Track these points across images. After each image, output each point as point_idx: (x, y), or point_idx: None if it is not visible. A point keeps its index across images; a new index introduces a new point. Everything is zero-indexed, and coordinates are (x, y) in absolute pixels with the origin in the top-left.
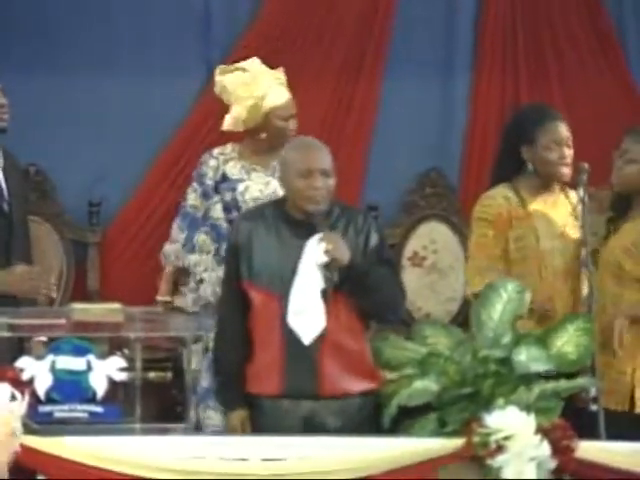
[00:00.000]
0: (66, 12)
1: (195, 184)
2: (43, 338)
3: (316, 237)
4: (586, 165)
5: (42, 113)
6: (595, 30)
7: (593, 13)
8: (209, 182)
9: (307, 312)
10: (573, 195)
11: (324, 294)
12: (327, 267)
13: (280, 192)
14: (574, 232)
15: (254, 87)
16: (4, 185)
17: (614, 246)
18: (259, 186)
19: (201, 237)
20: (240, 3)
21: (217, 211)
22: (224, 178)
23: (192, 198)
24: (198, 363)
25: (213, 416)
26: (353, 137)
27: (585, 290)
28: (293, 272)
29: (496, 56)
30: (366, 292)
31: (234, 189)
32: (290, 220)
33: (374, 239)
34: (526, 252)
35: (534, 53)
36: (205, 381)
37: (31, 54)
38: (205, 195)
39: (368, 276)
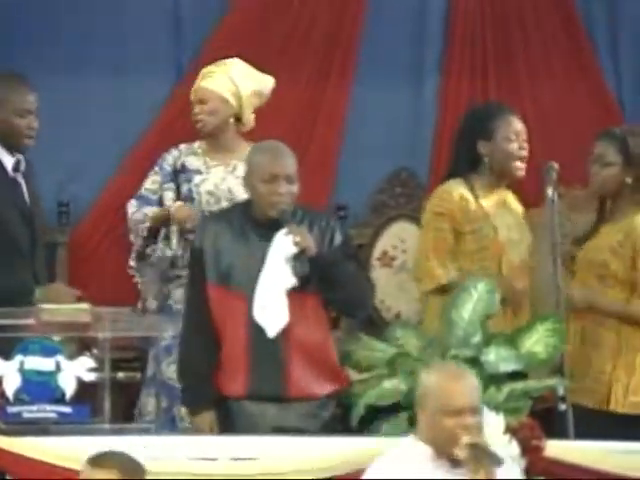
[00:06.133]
0: (38, 11)
1: (156, 168)
2: None
3: (282, 231)
4: (555, 164)
5: None
6: (566, 29)
7: (564, 13)
8: (167, 167)
9: (273, 306)
10: (513, 201)
11: (294, 289)
12: (297, 258)
13: (234, 189)
14: (526, 232)
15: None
16: (25, 192)
17: (598, 246)
18: (215, 180)
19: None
20: (210, 4)
21: (168, 199)
22: (183, 168)
23: (150, 182)
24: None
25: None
26: (323, 137)
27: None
28: (260, 272)
29: (465, 57)
30: (334, 286)
31: (190, 180)
32: (256, 222)
33: (338, 238)
34: (484, 243)
35: (503, 54)
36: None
37: (2, 52)
38: (163, 180)
39: (335, 268)
